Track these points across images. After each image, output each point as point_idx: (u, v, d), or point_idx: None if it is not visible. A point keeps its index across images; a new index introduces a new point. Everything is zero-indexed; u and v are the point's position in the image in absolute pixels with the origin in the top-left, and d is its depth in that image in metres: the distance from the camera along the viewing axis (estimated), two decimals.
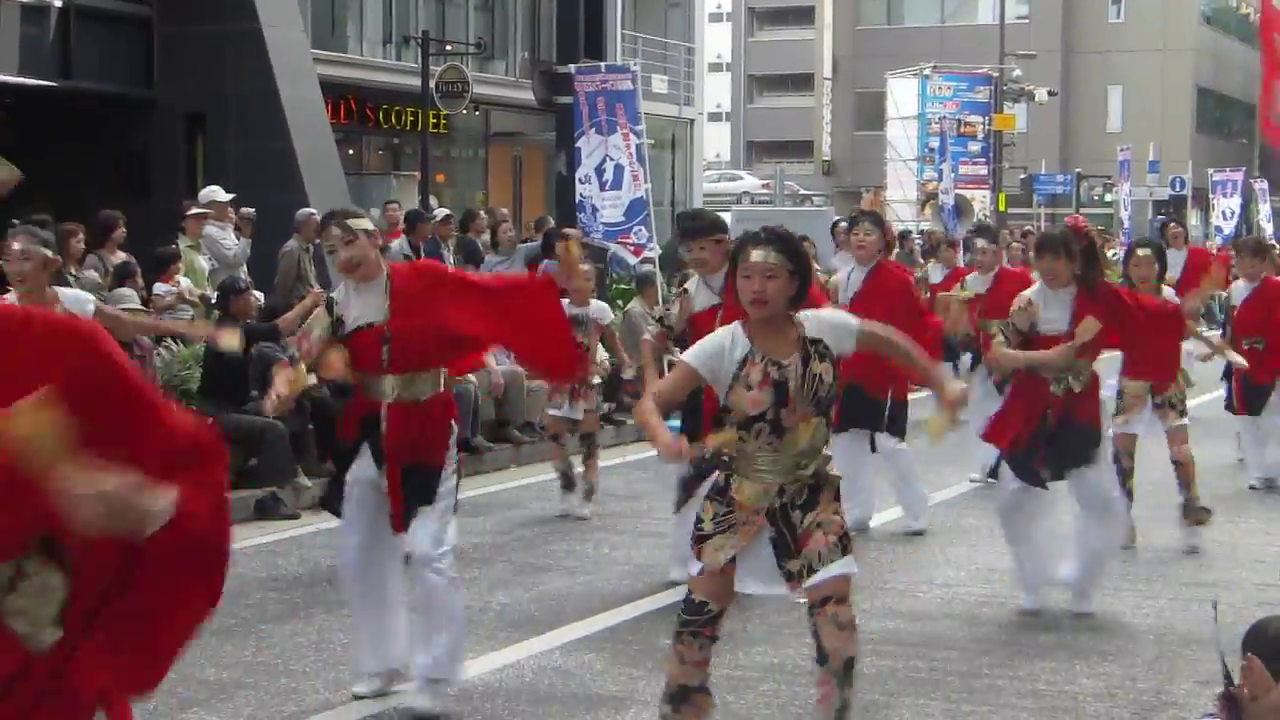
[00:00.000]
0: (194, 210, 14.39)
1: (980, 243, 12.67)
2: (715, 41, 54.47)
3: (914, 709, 6.56)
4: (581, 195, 18.13)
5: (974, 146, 42.87)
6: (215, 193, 14.66)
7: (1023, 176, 48.42)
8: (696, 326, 8.14)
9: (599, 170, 18.22)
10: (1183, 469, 9.99)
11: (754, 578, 5.28)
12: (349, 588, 6.68)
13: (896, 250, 13.26)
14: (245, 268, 14.30)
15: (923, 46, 51.13)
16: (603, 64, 19.52)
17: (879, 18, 59.22)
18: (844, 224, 16.44)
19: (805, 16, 60.40)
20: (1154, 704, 6.69)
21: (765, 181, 48.84)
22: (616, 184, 18.18)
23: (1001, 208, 43.32)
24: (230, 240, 14.50)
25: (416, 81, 24.20)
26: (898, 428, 10.38)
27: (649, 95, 28.05)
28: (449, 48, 26.70)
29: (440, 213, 16.98)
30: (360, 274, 6.41)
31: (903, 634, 7.78)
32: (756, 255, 5.16)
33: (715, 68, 56.18)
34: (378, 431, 6.43)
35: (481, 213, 19.15)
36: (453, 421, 6.57)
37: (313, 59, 20.75)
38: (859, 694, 6.69)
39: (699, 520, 5.38)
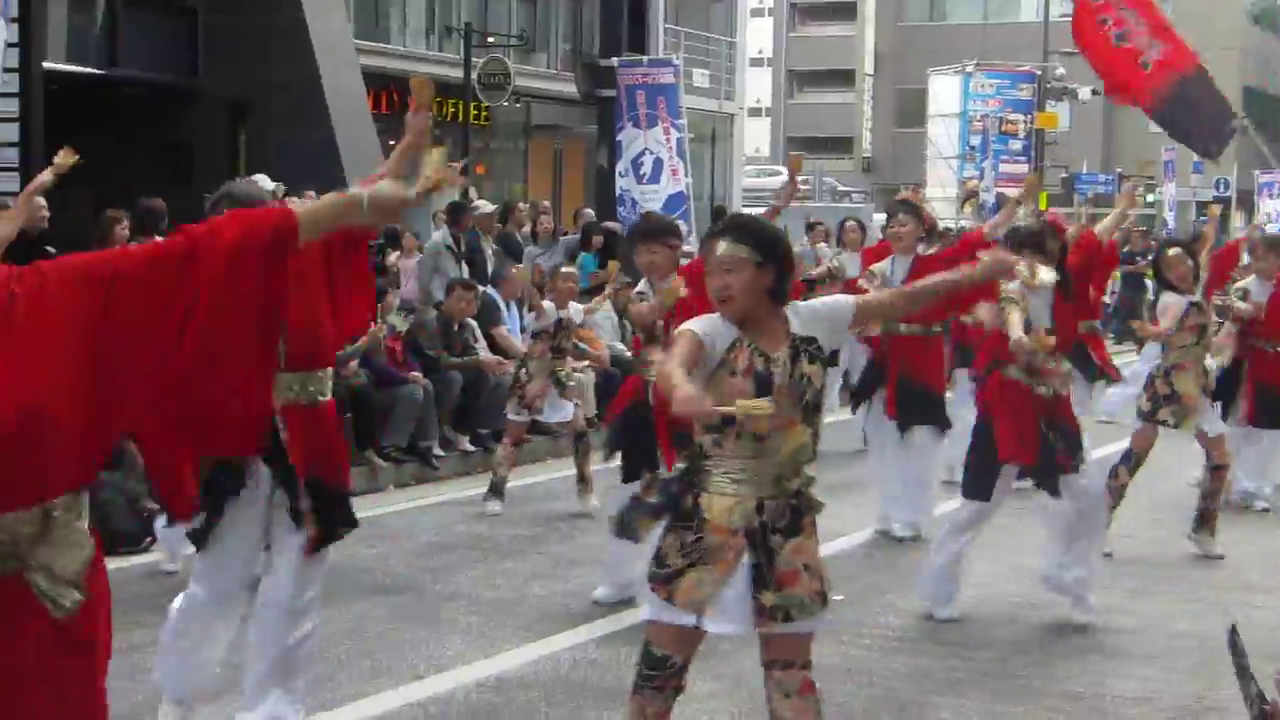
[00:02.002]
0: None
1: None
2: (757, 36, 54.28)
3: (951, 708, 6.53)
4: (621, 188, 18.17)
5: (1015, 145, 42.75)
6: (262, 181, 14.71)
7: (1064, 176, 48.13)
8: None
9: (636, 163, 18.26)
10: (1222, 474, 9.76)
11: (724, 614, 4.66)
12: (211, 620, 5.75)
13: (938, 242, 12.92)
14: None
15: (965, 43, 50.92)
16: (645, 58, 19.56)
17: (921, 14, 59.02)
18: (850, 222, 16.31)
19: (847, 12, 60.23)
20: (1194, 709, 6.64)
21: (804, 177, 48.61)
22: (654, 178, 18.22)
23: (1043, 206, 43.12)
24: None
25: (458, 73, 24.23)
26: (941, 420, 10.18)
27: (690, 89, 28.00)
28: (491, 40, 26.72)
29: (484, 206, 16.98)
30: None
31: (938, 633, 7.75)
32: (719, 248, 4.68)
33: (756, 63, 56.02)
34: (274, 440, 5.44)
35: (521, 205, 19.16)
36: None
37: (355, 49, 20.79)
38: (894, 692, 6.70)
39: (660, 555, 4.78)
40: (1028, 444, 7.63)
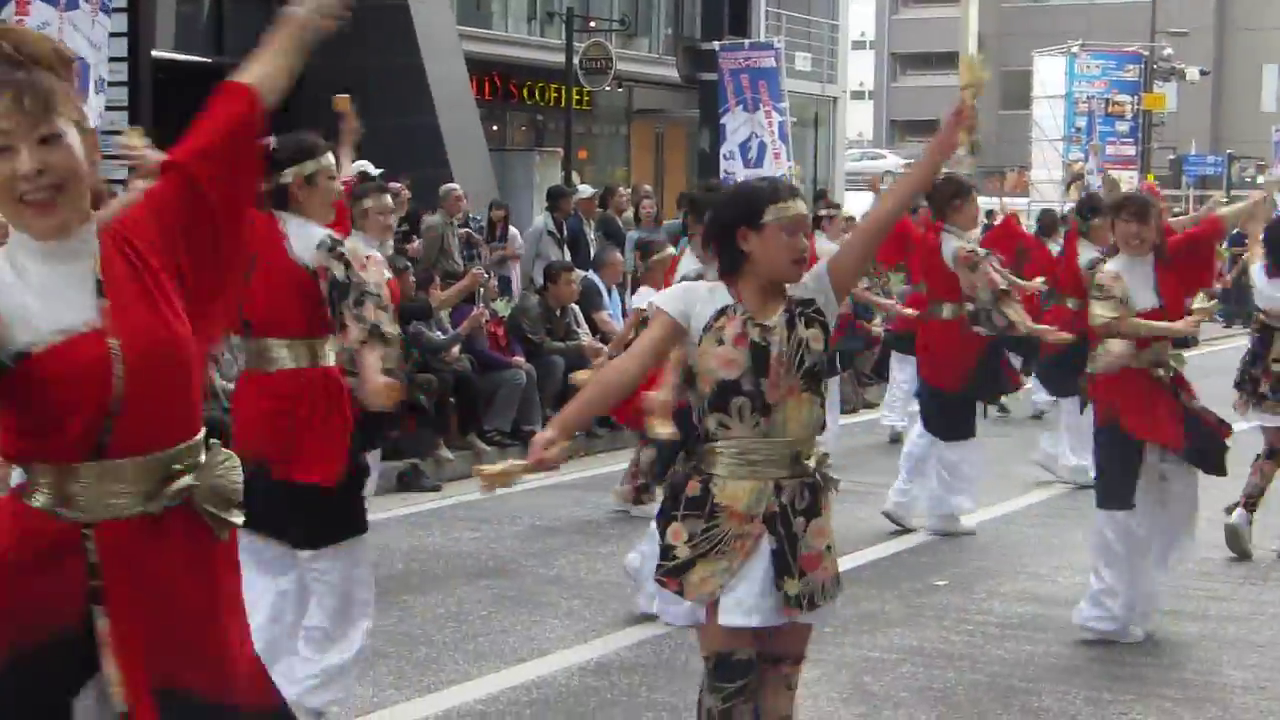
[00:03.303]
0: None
1: (1096, 221, 11.14)
2: (859, 19, 53.95)
3: (1055, 695, 6.47)
4: (726, 171, 18.13)
5: (1122, 126, 42.09)
6: (364, 166, 14.81)
7: (1172, 157, 47.46)
8: None
9: (744, 147, 18.22)
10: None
11: (742, 606, 4.31)
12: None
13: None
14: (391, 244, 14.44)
15: (1070, 24, 50.31)
16: (746, 41, 19.51)
17: None
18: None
19: None
20: None
21: (908, 161, 48.26)
22: (760, 162, 18.16)
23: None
24: None
25: (560, 58, 24.29)
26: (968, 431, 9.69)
27: (792, 73, 27.88)
28: (593, 24, 26.76)
29: (585, 190, 17.03)
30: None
31: (1042, 619, 7.67)
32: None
33: (859, 45, 55.69)
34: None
35: (622, 189, 19.19)
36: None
37: (458, 35, 20.90)
38: (998, 678, 6.65)
39: (668, 550, 4.39)
40: (1163, 422, 7.08)
